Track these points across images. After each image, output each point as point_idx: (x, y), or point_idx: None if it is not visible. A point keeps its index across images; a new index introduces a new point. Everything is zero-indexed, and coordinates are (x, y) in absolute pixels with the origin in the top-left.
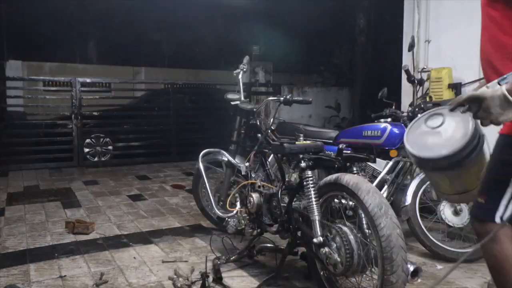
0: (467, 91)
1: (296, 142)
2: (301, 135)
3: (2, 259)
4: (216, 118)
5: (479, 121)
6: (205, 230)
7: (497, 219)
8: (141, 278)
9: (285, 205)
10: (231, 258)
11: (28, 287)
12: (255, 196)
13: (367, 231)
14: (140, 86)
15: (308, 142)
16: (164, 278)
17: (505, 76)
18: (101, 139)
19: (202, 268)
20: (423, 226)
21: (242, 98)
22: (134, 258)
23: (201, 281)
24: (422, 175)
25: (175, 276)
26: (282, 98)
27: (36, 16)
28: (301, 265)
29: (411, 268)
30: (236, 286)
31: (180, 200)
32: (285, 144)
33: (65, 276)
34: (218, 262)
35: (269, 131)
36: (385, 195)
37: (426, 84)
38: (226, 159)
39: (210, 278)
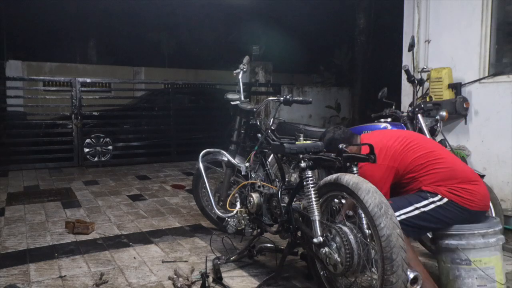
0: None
1: (296, 142)
2: (301, 135)
3: (2, 259)
4: (216, 118)
5: None
6: (205, 230)
7: None
8: (141, 278)
9: (285, 205)
10: (231, 258)
11: (28, 287)
12: (255, 196)
13: (367, 231)
14: (140, 86)
15: (308, 142)
16: (164, 278)
17: None
18: (101, 139)
19: (202, 268)
20: None
21: (242, 98)
22: (134, 258)
23: (201, 281)
24: None
25: (175, 276)
26: (282, 98)
27: (36, 16)
28: (301, 265)
29: (411, 275)
30: (236, 286)
31: (180, 200)
32: (285, 144)
33: (65, 276)
34: (218, 262)
35: (269, 131)
36: None
37: (426, 84)
38: (226, 159)
39: (210, 278)
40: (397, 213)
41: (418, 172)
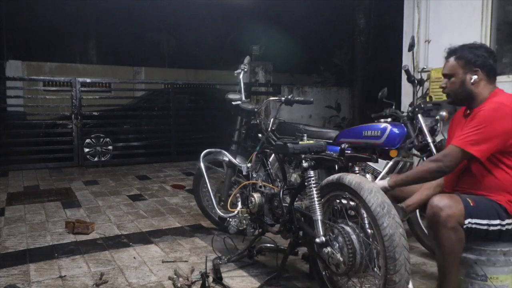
0: None
1: (300, 142)
2: (305, 135)
3: (2, 259)
4: (216, 118)
5: None
6: (205, 230)
7: (467, 221)
8: (141, 278)
9: (287, 205)
10: (232, 258)
11: (28, 287)
12: (256, 196)
13: (369, 230)
14: (140, 86)
15: (311, 141)
16: (164, 278)
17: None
18: (101, 139)
19: (202, 268)
20: (423, 226)
21: (243, 98)
22: (134, 258)
23: (201, 281)
24: None
25: (175, 276)
26: (283, 98)
27: (36, 16)
28: (302, 265)
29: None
30: (236, 286)
31: (180, 200)
32: (288, 144)
33: (65, 276)
34: (219, 262)
35: (270, 131)
36: None
37: (426, 84)
38: (227, 159)
39: (210, 278)
40: (474, 220)
41: None
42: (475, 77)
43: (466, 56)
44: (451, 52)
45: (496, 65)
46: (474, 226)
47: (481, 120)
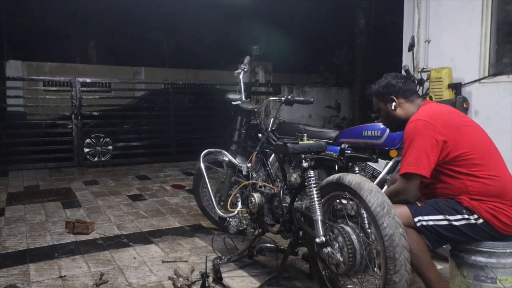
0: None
1: (300, 142)
2: (305, 135)
3: (2, 259)
4: (216, 118)
5: None
6: (205, 230)
7: (416, 219)
8: (141, 278)
9: (287, 205)
10: (232, 259)
11: (28, 287)
12: (256, 196)
13: (369, 230)
14: (140, 86)
15: (311, 141)
16: (164, 278)
17: None
18: (101, 139)
19: (202, 268)
20: None
21: (243, 98)
22: (134, 258)
23: (201, 281)
24: None
25: (175, 276)
26: (283, 98)
27: (36, 16)
28: (302, 265)
29: None
30: (236, 286)
31: (180, 200)
32: (288, 144)
33: (65, 276)
34: (219, 262)
35: (270, 131)
36: None
37: (426, 84)
38: (227, 159)
39: (210, 278)
40: (426, 217)
41: (468, 168)
42: (394, 104)
43: (377, 91)
44: (370, 93)
45: (409, 84)
46: (431, 223)
47: (405, 141)
